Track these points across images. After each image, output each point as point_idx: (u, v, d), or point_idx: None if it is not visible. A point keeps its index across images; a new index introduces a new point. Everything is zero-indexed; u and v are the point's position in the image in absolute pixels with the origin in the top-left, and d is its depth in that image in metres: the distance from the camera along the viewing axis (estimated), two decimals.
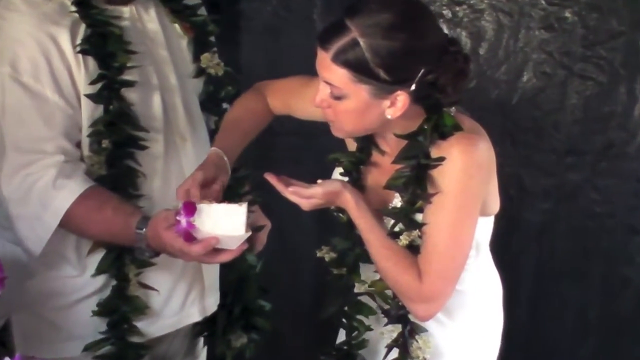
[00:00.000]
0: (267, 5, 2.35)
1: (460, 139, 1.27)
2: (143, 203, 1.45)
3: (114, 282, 1.46)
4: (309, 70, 1.36)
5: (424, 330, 1.38)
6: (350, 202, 1.31)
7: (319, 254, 1.44)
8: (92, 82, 1.39)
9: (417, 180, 1.29)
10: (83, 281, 1.46)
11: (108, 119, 1.40)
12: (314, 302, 2.41)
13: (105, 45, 1.39)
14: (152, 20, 1.50)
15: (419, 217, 1.31)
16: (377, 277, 1.37)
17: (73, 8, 1.39)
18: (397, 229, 1.33)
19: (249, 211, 1.28)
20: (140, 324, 1.49)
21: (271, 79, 1.56)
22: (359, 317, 1.44)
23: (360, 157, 1.41)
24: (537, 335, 2.37)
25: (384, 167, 1.38)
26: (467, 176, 1.27)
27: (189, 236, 1.25)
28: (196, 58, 1.58)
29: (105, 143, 1.40)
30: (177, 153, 1.51)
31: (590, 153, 2.23)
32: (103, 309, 1.46)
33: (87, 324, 1.46)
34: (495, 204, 1.40)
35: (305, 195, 1.31)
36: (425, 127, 1.29)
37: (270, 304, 1.72)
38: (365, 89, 1.23)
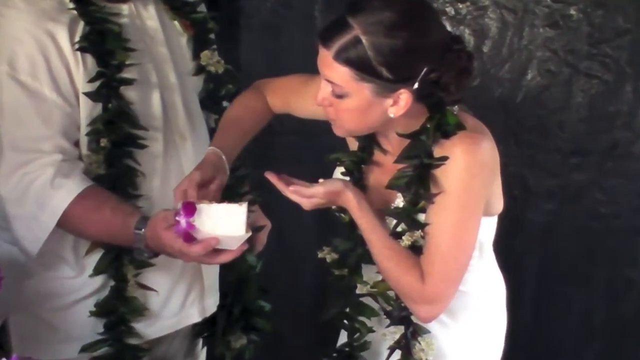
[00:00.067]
0: (266, 2, 2.35)
1: (463, 138, 1.27)
2: (142, 203, 1.45)
3: (112, 283, 1.46)
4: (310, 68, 1.37)
5: (427, 331, 1.38)
6: (352, 201, 1.31)
7: (320, 255, 1.44)
8: (91, 80, 1.39)
9: (419, 180, 1.30)
10: (81, 282, 1.46)
11: (107, 118, 1.40)
12: (315, 303, 2.41)
13: (104, 43, 1.39)
14: (151, 18, 1.50)
15: (421, 217, 1.32)
16: (379, 278, 1.38)
17: (71, 5, 1.39)
18: (399, 229, 1.33)
19: (249, 211, 1.28)
20: (139, 325, 1.49)
21: (271, 77, 1.56)
22: (361, 318, 1.44)
23: (361, 156, 1.42)
24: (541, 336, 2.37)
25: (386, 166, 1.38)
26: (470, 176, 1.28)
27: (189, 237, 1.26)
28: (196, 56, 1.58)
29: (104, 142, 1.40)
30: (177, 152, 1.51)
31: (595, 153, 2.23)
32: (101, 310, 1.46)
33: (85, 325, 1.46)
34: (498, 204, 1.40)
35: (306, 195, 1.31)
36: (428, 126, 1.30)
37: (271, 305, 1.72)
38: (367, 87, 1.23)
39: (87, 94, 1.39)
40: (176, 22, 1.57)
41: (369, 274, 1.41)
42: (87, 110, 1.40)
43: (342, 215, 1.41)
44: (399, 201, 1.35)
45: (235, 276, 1.66)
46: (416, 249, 1.32)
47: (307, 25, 2.31)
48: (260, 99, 1.53)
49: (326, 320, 1.46)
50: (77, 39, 1.38)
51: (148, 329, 1.51)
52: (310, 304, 2.49)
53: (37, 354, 1.37)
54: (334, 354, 1.51)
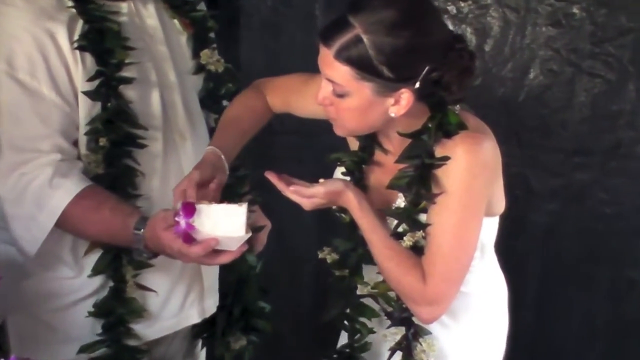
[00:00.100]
0: (267, 0, 2.36)
1: (465, 138, 1.28)
2: (141, 203, 1.45)
3: (111, 284, 1.46)
4: (310, 67, 1.37)
5: (428, 332, 1.38)
6: (352, 201, 1.31)
7: (320, 255, 1.44)
8: (90, 79, 1.39)
9: (421, 180, 1.30)
10: (80, 282, 1.46)
11: (106, 117, 1.40)
12: (315, 303, 2.42)
13: (103, 42, 1.39)
14: (150, 16, 1.50)
15: (422, 217, 1.32)
16: (380, 278, 1.38)
17: (70, 3, 1.39)
18: (400, 229, 1.34)
19: (249, 211, 1.28)
20: (138, 326, 1.49)
21: (271, 76, 1.56)
22: (362, 319, 1.44)
23: (362, 156, 1.42)
24: (543, 338, 2.37)
25: (387, 166, 1.38)
26: (472, 176, 1.28)
27: (188, 237, 1.26)
28: (195, 54, 1.59)
29: (103, 141, 1.40)
30: (177, 152, 1.51)
31: (598, 152, 2.23)
32: (99, 310, 1.46)
33: (84, 326, 1.47)
34: (500, 205, 1.41)
35: (306, 195, 1.31)
36: (430, 125, 1.30)
37: (270, 306, 1.72)
38: (368, 86, 1.23)
39: (86, 93, 1.39)
40: (176, 21, 1.57)
41: (369, 274, 1.41)
42: (86, 109, 1.40)
43: (343, 215, 1.42)
44: (400, 201, 1.35)
45: (235, 276, 1.66)
46: (417, 250, 1.32)
47: (307, 24, 2.31)
48: (260, 98, 1.53)
49: (326, 321, 1.46)
50: (76, 37, 1.38)
51: (147, 330, 1.52)
52: (311, 305, 2.50)
53: (35, 355, 1.37)
54: (334, 355, 1.51)
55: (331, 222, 1.47)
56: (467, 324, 1.45)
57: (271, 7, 2.37)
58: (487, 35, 2.24)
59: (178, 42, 1.57)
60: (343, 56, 1.22)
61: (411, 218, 1.32)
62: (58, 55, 1.36)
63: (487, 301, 1.48)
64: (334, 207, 1.39)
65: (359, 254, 1.41)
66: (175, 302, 1.55)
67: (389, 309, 1.39)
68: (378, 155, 1.41)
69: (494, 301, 1.51)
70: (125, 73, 1.42)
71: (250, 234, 1.28)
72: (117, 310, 1.46)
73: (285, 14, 2.37)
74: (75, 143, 1.41)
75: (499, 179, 1.36)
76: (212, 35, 1.63)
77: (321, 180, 1.33)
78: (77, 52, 1.38)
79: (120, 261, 1.45)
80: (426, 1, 1.28)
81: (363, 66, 1.21)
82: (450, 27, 2.18)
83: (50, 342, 1.48)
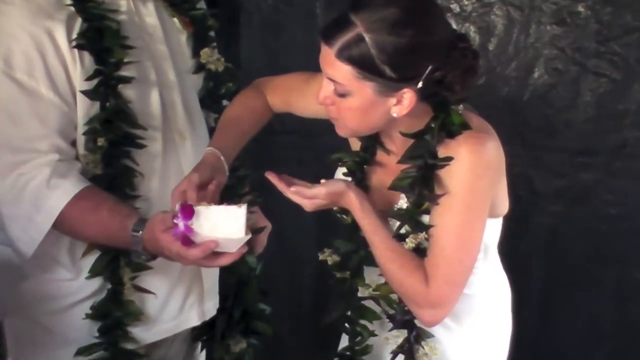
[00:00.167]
0: None
1: (468, 138, 1.27)
2: (140, 204, 1.45)
3: (109, 286, 1.47)
4: (311, 66, 1.37)
5: (431, 335, 1.38)
6: (354, 202, 1.31)
7: (321, 257, 1.44)
8: (88, 78, 1.39)
9: (423, 180, 1.30)
10: (78, 284, 1.46)
11: (104, 117, 1.40)
12: (316, 306, 2.42)
13: (101, 40, 1.39)
14: (150, 14, 1.50)
15: (425, 219, 1.32)
16: (382, 280, 1.38)
17: (69, 1, 1.39)
18: (403, 231, 1.33)
19: (249, 212, 1.28)
20: (136, 330, 1.49)
21: (271, 75, 1.56)
22: (363, 321, 1.44)
23: (364, 156, 1.42)
24: (548, 341, 2.37)
25: (389, 167, 1.38)
26: (476, 176, 1.28)
27: (187, 240, 1.26)
28: (195, 53, 1.59)
29: (101, 141, 1.40)
30: (176, 152, 1.51)
31: (603, 152, 2.23)
32: (96, 313, 1.46)
33: (82, 329, 1.46)
34: (504, 206, 1.40)
35: (307, 196, 1.31)
36: (433, 125, 1.30)
37: (270, 308, 1.72)
38: (370, 86, 1.23)
39: (84, 92, 1.39)
40: (175, 19, 1.57)
41: (371, 276, 1.41)
42: (84, 109, 1.40)
43: (344, 216, 1.41)
44: (403, 202, 1.35)
45: (235, 278, 1.66)
46: (420, 252, 1.32)
47: (308, 22, 2.32)
48: (260, 97, 1.53)
49: (327, 324, 1.46)
50: (74, 36, 1.38)
51: (145, 333, 1.51)
52: (311, 307, 2.50)
53: (32, 358, 1.38)
54: (335, 358, 1.51)
55: (332, 223, 1.47)
56: (470, 327, 1.45)
57: (271, 5, 2.37)
58: (490, 34, 2.24)
59: (178, 41, 1.57)
60: (344, 55, 1.22)
61: (414, 219, 1.32)
62: (56, 54, 1.36)
63: (490, 303, 1.48)
64: (335, 208, 1.39)
65: (360, 255, 1.41)
66: (174, 305, 1.55)
67: (391, 312, 1.39)
68: (380, 155, 1.41)
69: (498, 303, 1.51)
70: (124, 72, 1.42)
71: (250, 236, 1.27)
72: (114, 313, 1.46)
73: (285, 12, 2.37)
74: (74, 143, 1.41)
75: (502, 180, 1.36)
76: (212, 33, 1.63)
77: (322, 181, 1.33)
78: (76, 50, 1.38)
79: (118, 263, 1.45)
80: None
81: (365, 65, 1.21)
82: (454, 25, 2.18)
83: (48, 345, 1.48)
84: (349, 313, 1.45)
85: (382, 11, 1.20)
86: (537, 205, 2.30)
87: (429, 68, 1.23)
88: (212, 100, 1.62)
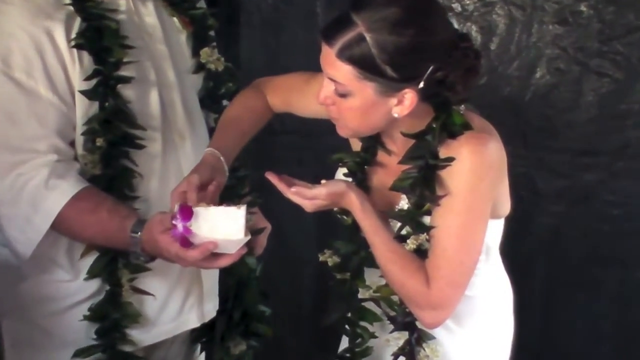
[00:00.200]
0: None
1: (470, 139, 1.27)
2: (139, 205, 1.45)
3: (107, 287, 1.46)
4: (312, 66, 1.37)
5: (432, 337, 1.38)
6: (355, 203, 1.31)
7: (321, 258, 1.44)
8: (87, 78, 1.39)
9: (424, 181, 1.30)
10: (76, 286, 1.46)
11: (103, 117, 1.40)
12: (316, 307, 2.42)
13: (100, 40, 1.39)
14: (149, 14, 1.50)
15: (426, 220, 1.32)
16: (383, 282, 1.38)
17: (68, 1, 1.39)
18: (404, 232, 1.33)
19: (249, 213, 1.28)
20: (134, 332, 1.49)
21: (271, 75, 1.56)
22: (363, 323, 1.44)
23: (365, 157, 1.41)
24: (550, 342, 2.37)
25: (390, 167, 1.38)
26: (477, 177, 1.27)
27: (186, 241, 1.25)
28: (195, 53, 1.59)
29: (100, 142, 1.40)
30: (176, 152, 1.51)
31: (605, 153, 2.23)
32: (94, 314, 1.46)
33: (80, 331, 1.46)
34: (506, 206, 1.40)
35: (308, 196, 1.31)
36: (434, 125, 1.30)
37: (270, 309, 1.72)
38: (371, 86, 1.23)
39: (83, 92, 1.39)
40: (175, 19, 1.57)
41: (372, 277, 1.41)
42: (83, 109, 1.40)
43: (345, 217, 1.41)
44: (404, 203, 1.35)
45: (235, 280, 1.66)
46: (421, 253, 1.31)
47: (308, 22, 2.32)
48: (260, 97, 1.53)
49: (327, 325, 1.46)
50: (73, 35, 1.38)
51: (144, 335, 1.51)
52: (311, 308, 2.50)
53: None
54: None
55: (332, 224, 1.47)
56: (472, 328, 1.45)
57: (272, 5, 2.37)
58: (492, 34, 2.24)
59: (177, 41, 1.57)
60: (345, 55, 1.22)
61: (415, 220, 1.32)
62: (55, 54, 1.36)
63: (492, 305, 1.48)
64: (335, 208, 1.39)
65: (361, 256, 1.40)
66: (173, 306, 1.55)
67: (392, 313, 1.39)
68: (381, 156, 1.41)
69: (499, 305, 1.51)
70: (124, 72, 1.42)
71: (249, 237, 1.27)
72: (112, 315, 1.46)
73: (286, 11, 2.37)
74: (72, 143, 1.41)
75: (504, 180, 1.36)
76: (211, 33, 1.63)
77: (323, 182, 1.33)
78: (75, 50, 1.38)
79: (116, 264, 1.45)
80: None
81: (366, 65, 1.21)
82: (455, 25, 2.17)
83: (46, 347, 1.48)
84: (349, 314, 1.45)
85: (383, 10, 1.20)
86: (538, 205, 2.29)
87: (431, 68, 1.23)
88: (211, 100, 1.62)
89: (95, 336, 1.47)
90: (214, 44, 1.62)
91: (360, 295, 1.43)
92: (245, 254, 1.31)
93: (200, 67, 1.59)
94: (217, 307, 1.64)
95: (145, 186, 1.47)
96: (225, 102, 1.62)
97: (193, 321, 1.59)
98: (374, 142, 1.40)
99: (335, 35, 1.22)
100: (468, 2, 2.24)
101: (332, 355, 1.52)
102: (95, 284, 1.47)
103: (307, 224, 2.27)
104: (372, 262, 1.37)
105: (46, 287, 1.46)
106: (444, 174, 1.29)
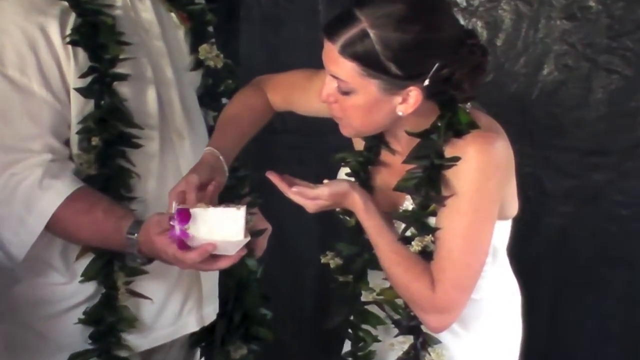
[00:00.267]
0: None
1: (476, 138, 1.27)
2: (136, 206, 1.45)
3: (104, 290, 1.46)
4: (313, 63, 1.36)
5: (438, 341, 1.37)
6: (358, 203, 1.31)
7: (323, 260, 1.44)
8: (83, 76, 1.38)
9: (430, 181, 1.29)
10: (72, 289, 1.46)
11: (99, 115, 1.40)
12: (318, 309, 2.42)
13: (96, 36, 1.39)
14: (146, 9, 1.50)
15: (431, 221, 1.31)
16: (387, 285, 1.37)
17: None
18: (408, 233, 1.33)
19: (249, 214, 1.28)
20: (131, 336, 1.49)
21: (272, 73, 1.55)
22: (366, 327, 1.43)
23: (368, 156, 1.41)
24: (558, 345, 2.37)
25: (394, 167, 1.38)
26: (484, 177, 1.27)
27: (183, 244, 1.25)
28: (193, 50, 1.58)
29: (96, 141, 1.40)
30: (174, 152, 1.51)
31: (615, 152, 2.23)
32: (89, 318, 1.46)
33: (76, 334, 1.46)
34: (513, 207, 1.40)
35: (310, 196, 1.30)
36: (439, 124, 1.29)
37: (271, 312, 1.72)
38: (374, 83, 1.22)
39: (78, 90, 1.39)
40: (173, 14, 1.57)
41: (375, 280, 1.40)
42: (78, 107, 1.39)
43: (348, 218, 1.41)
44: (408, 204, 1.34)
45: (235, 282, 1.66)
46: (426, 255, 1.31)
47: (310, 17, 2.31)
48: (261, 95, 1.52)
49: (329, 328, 1.45)
50: (68, 31, 1.37)
51: (141, 340, 1.51)
52: (313, 310, 2.50)
53: None
54: None
55: (335, 225, 1.47)
56: (479, 332, 1.44)
57: (272, 0, 2.36)
58: (498, 29, 2.24)
59: (175, 37, 1.56)
60: (348, 52, 1.21)
61: (420, 221, 1.31)
62: (49, 51, 1.36)
63: (499, 308, 1.47)
64: (337, 209, 1.38)
65: (364, 258, 1.40)
66: (171, 310, 1.54)
67: (396, 317, 1.38)
68: (385, 155, 1.40)
69: (507, 308, 1.50)
70: (120, 69, 1.42)
71: (249, 238, 1.27)
72: (107, 319, 1.45)
73: (286, 6, 2.37)
74: (67, 142, 1.41)
75: (511, 180, 1.35)
76: (210, 29, 1.63)
77: (325, 181, 1.32)
78: (70, 47, 1.38)
79: (112, 267, 1.44)
80: None
81: (369, 62, 1.20)
82: (460, 20, 2.16)
83: (41, 351, 1.48)
84: (352, 318, 1.44)
85: (388, 6, 1.19)
86: (546, 205, 2.30)
87: (436, 65, 1.22)
88: (210, 98, 1.61)
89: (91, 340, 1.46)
90: (213, 40, 1.62)
91: (363, 298, 1.43)
92: (245, 255, 1.30)
93: (198, 64, 1.59)
94: (216, 310, 1.64)
95: (143, 186, 1.47)
96: (224, 100, 1.62)
97: (192, 325, 1.59)
98: (377, 141, 1.39)
99: (338, 32, 1.22)
100: None
101: (334, 359, 1.51)
102: (91, 286, 1.46)
103: (308, 224, 2.27)
104: (375, 264, 1.36)
105: (41, 290, 1.46)
106: (449, 174, 1.28)
